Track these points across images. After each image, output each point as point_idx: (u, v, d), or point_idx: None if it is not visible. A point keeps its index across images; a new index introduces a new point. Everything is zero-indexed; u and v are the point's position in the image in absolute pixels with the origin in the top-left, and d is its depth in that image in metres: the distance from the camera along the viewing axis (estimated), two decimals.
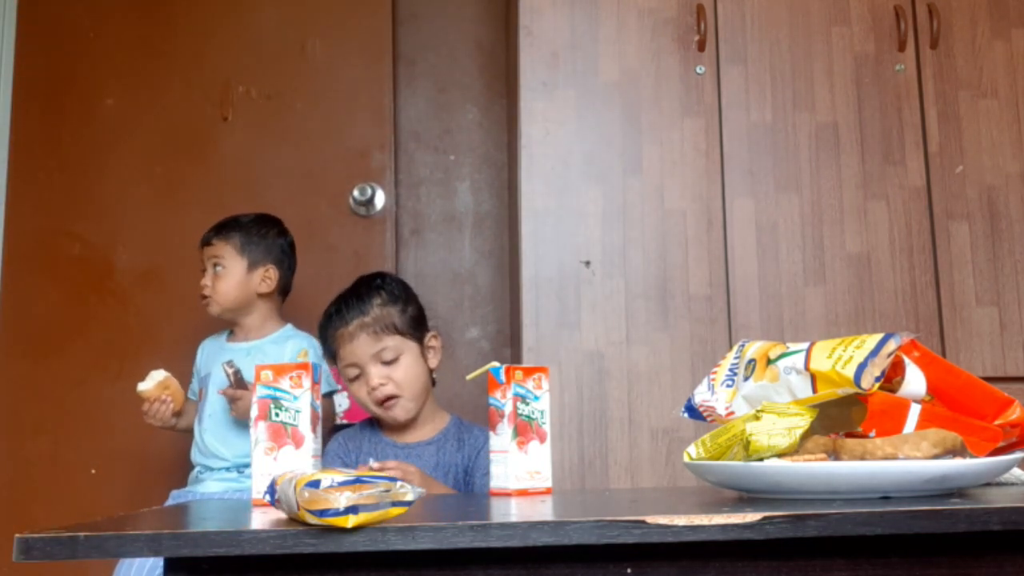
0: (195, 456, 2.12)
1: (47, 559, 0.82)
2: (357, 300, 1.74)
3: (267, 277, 2.13)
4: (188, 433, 2.14)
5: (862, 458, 0.99)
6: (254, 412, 1.20)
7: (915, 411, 1.06)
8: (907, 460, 0.97)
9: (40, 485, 2.51)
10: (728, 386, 1.21)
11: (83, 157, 2.66)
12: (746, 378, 1.17)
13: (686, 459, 1.10)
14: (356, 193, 2.63)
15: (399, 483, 0.87)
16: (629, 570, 0.88)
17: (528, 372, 1.34)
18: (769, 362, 1.14)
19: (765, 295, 2.10)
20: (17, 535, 0.82)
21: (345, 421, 2.16)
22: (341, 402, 2.18)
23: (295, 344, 2.11)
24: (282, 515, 0.94)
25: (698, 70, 2.19)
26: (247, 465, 2.04)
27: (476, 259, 2.72)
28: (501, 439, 1.32)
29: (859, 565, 0.90)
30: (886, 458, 0.97)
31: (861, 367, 1.05)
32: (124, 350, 2.56)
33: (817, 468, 0.98)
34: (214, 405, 2.09)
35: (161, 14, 2.72)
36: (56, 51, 2.70)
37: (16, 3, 2.75)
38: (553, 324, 2.07)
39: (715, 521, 0.85)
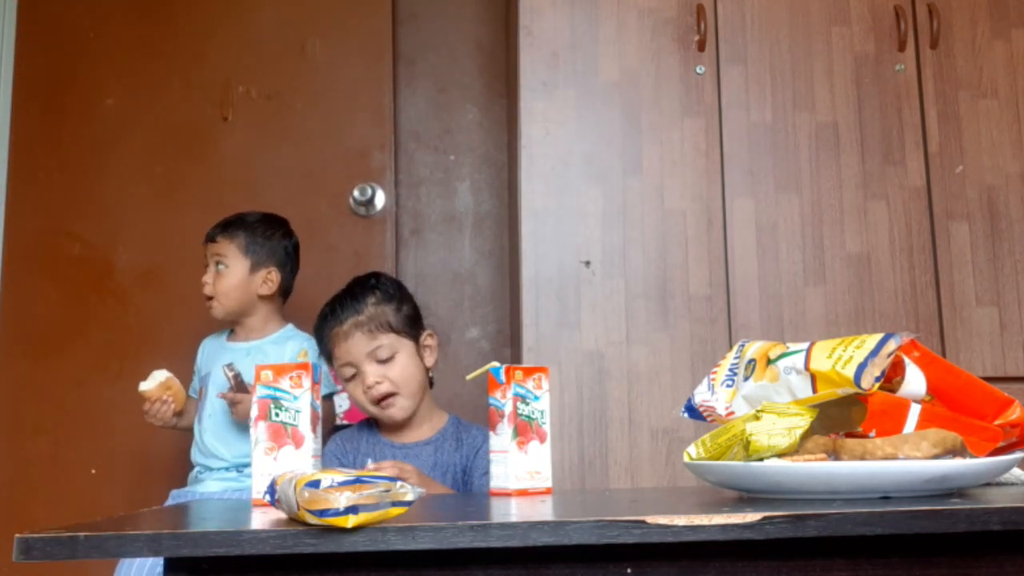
0: (195, 456, 2.12)
1: (47, 559, 0.82)
2: (351, 299, 1.74)
3: (269, 279, 2.12)
4: (189, 432, 2.14)
5: (862, 458, 0.99)
6: (254, 412, 1.20)
7: (915, 411, 1.06)
8: (907, 460, 0.97)
9: (40, 485, 2.51)
10: (728, 386, 1.21)
11: (83, 157, 2.66)
12: (746, 378, 1.17)
13: (686, 459, 1.10)
14: (356, 193, 2.63)
15: (399, 483, 0.87)
16: (629, 570, 0.88)
17: (528, 372, 1.34)
18: (769, 362, 1.14)
19: (765, 295, 2.10)
20: (17, 535, 0.82)
21: (345, 422, 2.16)
22: (341, 403, 2.18)
23: (295, 344, 2.11)
24: (282, 515, 0.94)
25: (698, 70, 2.19)
26: (246, 465, 2.04)
27: (476, 259, 2.72)
28: (501, 439, 1.32)
29: (859, 565, 0.90)
30: (886, 458, 0.98)
31: (861, 367, 1.05)
32: (124, 350, 2.56)
33: (817, 468, 0.98)
34: (214, 405, 2.08)
35: (161, 14, 2.72)
36: (56, 51, 2.70)
37: (16, 3, 2.75)
38: (553, 324, 2.07)
39: (715, 521, 0.85)
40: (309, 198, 2.62)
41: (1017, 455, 1.05)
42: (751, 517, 0.85)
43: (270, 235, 2.15)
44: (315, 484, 0.84)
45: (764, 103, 2.18)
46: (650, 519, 0.84)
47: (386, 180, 2.66)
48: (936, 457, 0.97)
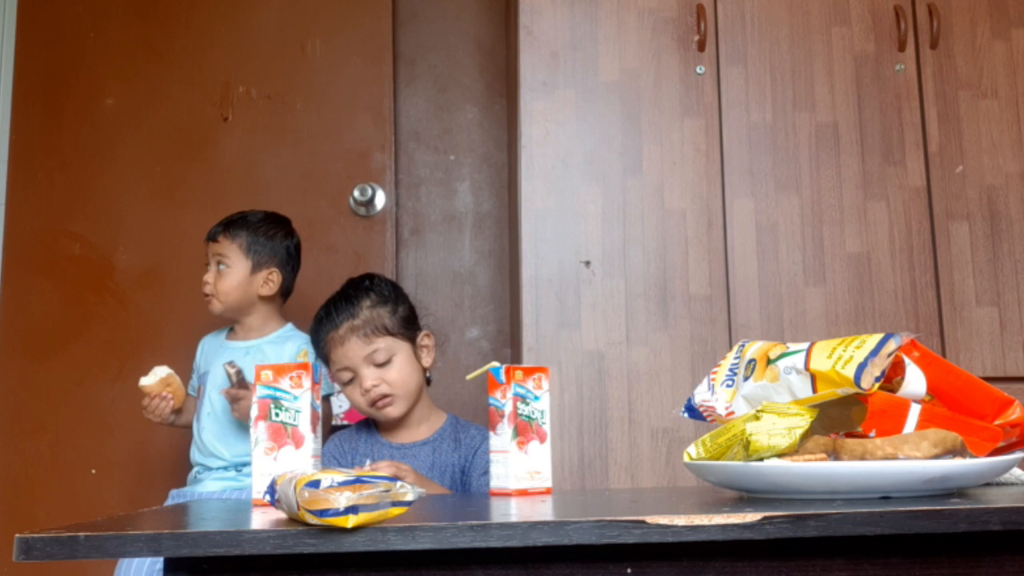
0: (194, 455, 2.12)
1: (47, 559, 0.82)
2: (346, 303, 1.72)
3: (270, 280, 2.12)
4: (187, 430, 2.14)
5: (862, 458, 0.99)
6: (254, 412, 1.20)
7: (915, 411, 1.07)
8: (907, 460, 0.97)
9: (40, 485, 2.51)
10: (728, 386, 1.21)
11: (83, 157, 2.66)
12: (746, 378, 1.17)
13: (686, 459, 1.10)
14: (356, 193, 2.63)
15: (399, 483, 0.87)
16: (629, 570, 0.88)
17: (528, 372, 1.34)
18: (769, 362, 1.14)
19: (765, 295, 2.10)
20: (17, 535, 0.82)
21: (345, 422, 2.16)
22: (340, 403, 2.18)
23: (295, 344, 2.11)
24: (282, 515, 0.94)
25: (698, 70, 2.19)
26: (245, 464, 2.04)
27: (476, 259, 2.72)
28: (501, 439, 1.32)
29: (859, 565, 0.89)
30: (886, 458, 0.97)
31: (861, 367, 1.05)
32: (124, 350, 2.56)
33: (817, 468, 0.98)
34: (213, 404, 2.09)
35: (161, 14, 2.72)
36: (56, 51, 2.71)
37: (16, 3, 2.75)
38: (553, 324, 2.07)
39: (715, 521, 0.85)
40: (309, 198, 2.62)
41: (1017, 455, 1.05)
42: (751, 517, 0.85)
43: (272, 235, 2.15)
44: (315, 484, 0.84)
45: (764, 103, 2.18)
46: (650, 519, 0.84)
47: (386, 180, 2.66)
48: (936, 457, 0.97)
